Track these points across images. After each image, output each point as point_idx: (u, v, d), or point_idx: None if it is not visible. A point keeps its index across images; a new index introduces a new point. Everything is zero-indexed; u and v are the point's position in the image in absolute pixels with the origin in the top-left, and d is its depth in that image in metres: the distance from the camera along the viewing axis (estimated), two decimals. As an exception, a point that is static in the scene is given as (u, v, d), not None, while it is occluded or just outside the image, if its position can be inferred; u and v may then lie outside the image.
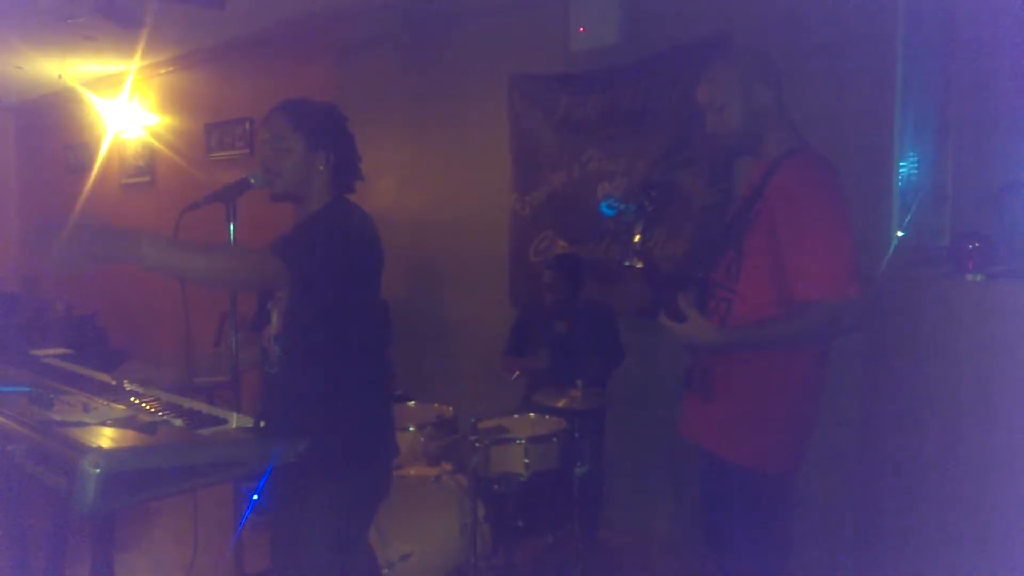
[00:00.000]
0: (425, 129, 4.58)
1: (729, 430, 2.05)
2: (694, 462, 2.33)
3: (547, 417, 3.16)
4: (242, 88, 5.81)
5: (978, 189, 2.37)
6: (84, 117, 6.97)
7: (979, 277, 1.89)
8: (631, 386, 3.54)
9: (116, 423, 1.56)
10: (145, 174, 6.72)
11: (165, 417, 1.69)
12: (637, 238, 1.89)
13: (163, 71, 6.37)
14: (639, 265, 1.88)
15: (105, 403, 1.74)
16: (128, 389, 2.00)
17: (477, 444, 2.94)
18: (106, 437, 1.44)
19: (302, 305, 1.97)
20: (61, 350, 2.80)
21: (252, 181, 2.13)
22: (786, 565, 2.15)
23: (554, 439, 3.00)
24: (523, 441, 2.95)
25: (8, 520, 1.86)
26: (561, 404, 3.05)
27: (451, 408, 3.59)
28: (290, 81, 5.25)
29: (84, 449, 1.35)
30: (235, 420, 1.73)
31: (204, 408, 1.83)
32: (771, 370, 2.00)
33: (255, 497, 1.82)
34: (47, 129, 7.69)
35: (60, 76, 6.47)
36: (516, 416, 3.19)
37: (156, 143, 6.52)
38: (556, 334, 3.59)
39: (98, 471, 1.32)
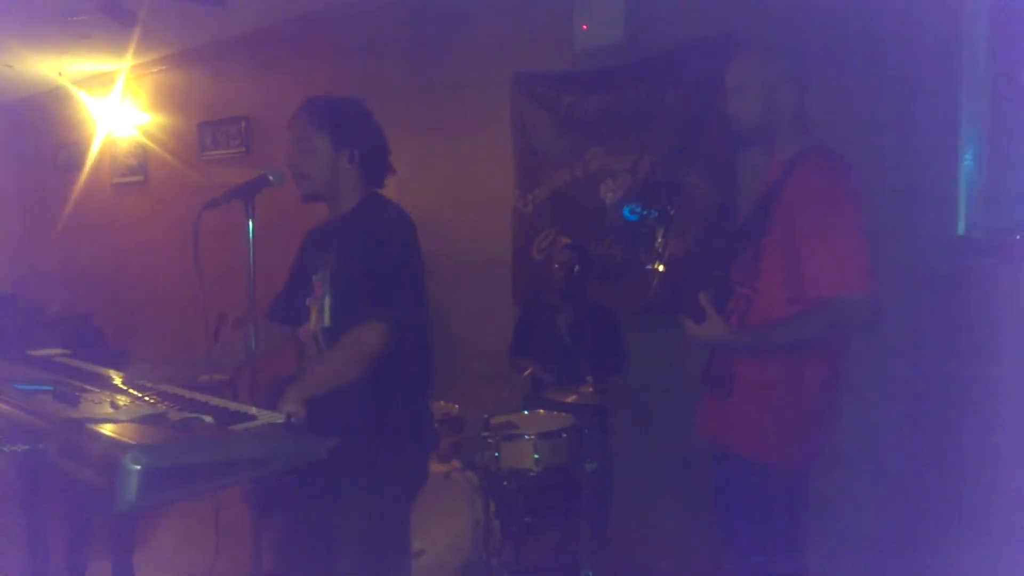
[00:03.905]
0: (427, 128, 4.57)
1: (747, 426, 2.06)
2: (702, 460, 2.36)
3: (556, 413, 3.17)
4: (238, 87, 5.77)
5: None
6: (75, 116, 6.90)
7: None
8: (634, 384, 3.55)
9: (148, 420, 1.55)
10: (137, 173, 6.67)
11: (195, 414, 1.68)
12: (660, 242, 1.91)
13: (156, 69, 6.32)
14: (661, 269, 1.90)
15: (132, 401, 1.73)
16: (148, 386, 1.99)
17: (489, 440, 2.94)
18: (143, 434, 1.44)
19: (345, 300, 1.98)
20: (59, 351, 2.77)
21: (271, 178, 2.13)
22: (801, 561, 2.17)
23: (564, 435, 3.01)
24: (533, 437, 2.96)
25: (35, 518, 1.85)
26: (571, 400, 3.07)
27: (456, 406, 3.59)
28: (288, 81, 5.23)
29: (124, 446, 1.35)
30: (263, 416, 1.72)
31: (230, 405, 1.82)
32: (789, 367, 2.01)
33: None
34: (37, 128, 7.61)
35: (61, 74, 6.42)
36: (526, 412, 3.20)
37: (148, 142, 6.47)
38: (562, 329, 3.60)
39: (139, 467, 1.31)
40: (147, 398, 1.82)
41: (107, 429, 1.44)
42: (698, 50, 3.55)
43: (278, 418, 1.70)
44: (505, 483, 2.97)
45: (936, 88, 2.87)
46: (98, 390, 1.88)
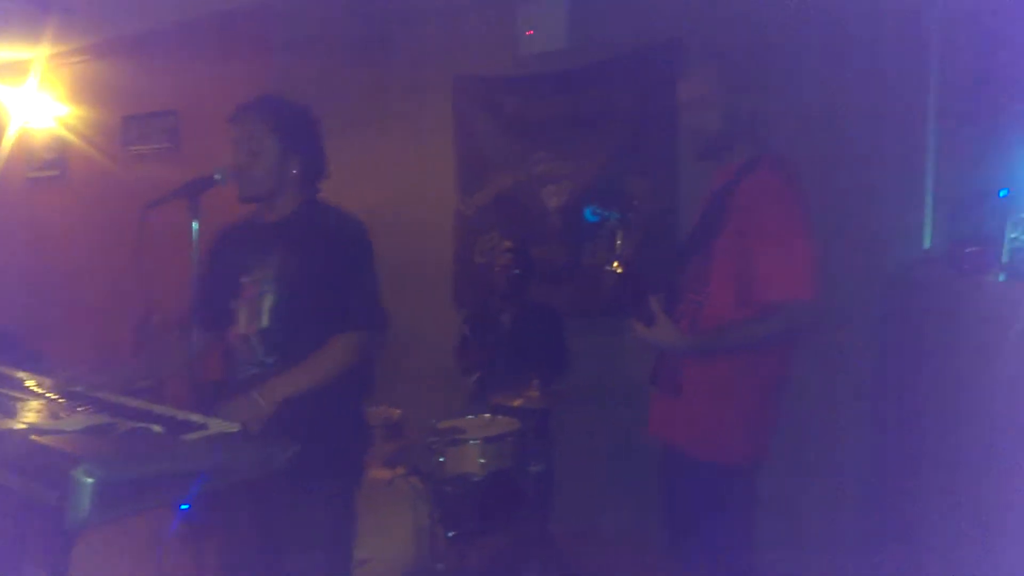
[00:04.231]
0: (367, 128, 4.50)
1: (697, 426, 2.11)
2: (646, 460, 2.39)
3: (500, 417, 3.18)
4: (166, 80, 5.56)
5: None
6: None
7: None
8: (579, 386, 3.58)
9: (96, 431, 1.48)
10: (54, 167, 6.35)
11: (142, 423, 1.61)
12: (619, 244, 1.93)
13: (77, 59, 6.03)
14: (620, 270, 1.92)
15: (73, 410, 1.65)
16: (81, 393, 1.90)
17: (435, 445, 2.92)
18: (94, 445, 1.37)
19: (295, 304, 1.95)
20: None
21: (217, 178, 2.08)
22: (749, 559, 2.22)
23: (509, 438, 3.02)
24: (479, 441, 2.95)
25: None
26: (516, 404, 3.08)
27: (398, 411, 3.56)
28: (221, 75, 5.07)
29: (75, 458, 1.28)
30: (214, 425, 1.67)
31: (177, 413, 1.76)
32: (737, 367, 2.07)
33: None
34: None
35: None
36: (471, 417, 3.19)
37: (68, 135, 6.17)
38: (505, 333, 3.61)
39: (92, 480, 1.25)
40: (83, 407, 1.73)
41: (53, 440, 1.36)
42: (642, 56, 3.62)
43: (231, 427, 1.65)
44: (450, 488, 2.95)
45: (902, 95, 2.95)
46: (31, 398, 1.78)
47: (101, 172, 5.92)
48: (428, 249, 4.36)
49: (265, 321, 2.02)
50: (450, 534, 2.83)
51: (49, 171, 6.38)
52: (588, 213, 1.95)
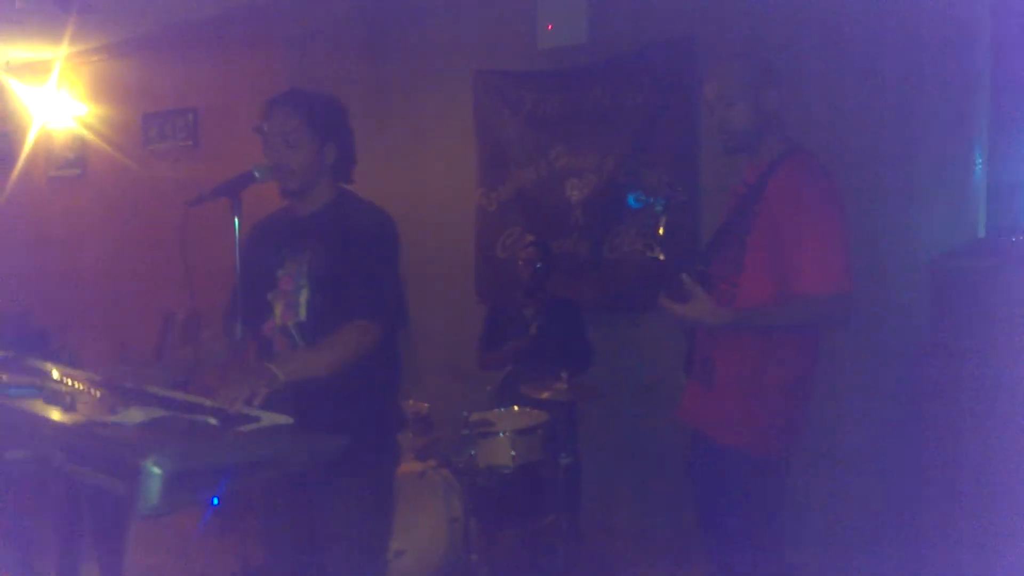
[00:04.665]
0: (388, 124, 4.53)
1: (730, 416, 2.13)
2: (673, 453, 2.42)
3: (529, 410, 3.21)
4: (185, 78, 5.60)
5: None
6: (5, 106, 6.58)
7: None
8: (605, 379, 3.61)
9: (157, 424, 1.52)
10: (75, 166, 6.40)
11: (199, 416, 1.65)
12: (661, 231, 1.95)
13: (96, 58, 6.08)
14: (661, 256, 1.94)
15: (131, 404, 1.68)
16: (131, 388, 1.94)
17: (467, 437, 2.96)
18: (158, 437, 1.41)
19: (329, 297, 1.97)
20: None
21: (256, 175, 2.10)
22: (777, 549, 2.25)
23: (539, 431, 3.05)
24: (510, 433, 2.99)
25: (35, 525, 1.78)
26: (545, 396, 3.11)
27: (427, 405, 3.59)
28: (240, 73, 5.11)
29: (144, 450, 1.32)
30: (267, 418, 1.70)
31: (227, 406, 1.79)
32: (769, 358, 2.09)
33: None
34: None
35: (7, 63, 6.13)
36: (501, 409, 3.23)
37: (88, 134, 6.22)
38: (529, 326, 3.63)
39: (160, 472, 1.29)
40: (136, 402, 1.77)
41: (118, 432, 1.40)
42: (662, 51, 3.64)
43: (283, 419, 1.68)
44: (482, 480, 2.99)
45: (943, 89, 2.96)
46: (89, 393, 1.81)
47: (121, 170, 5.97)
48: (449, 244, 4.39)
49: (302, 314, 2.05)
50: (482, 526, 2.87)
51: (70, 170, 6.44)
52: (632, 200, 1.96)
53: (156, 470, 1.28)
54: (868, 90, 3.07)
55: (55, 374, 2.03)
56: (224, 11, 5.13)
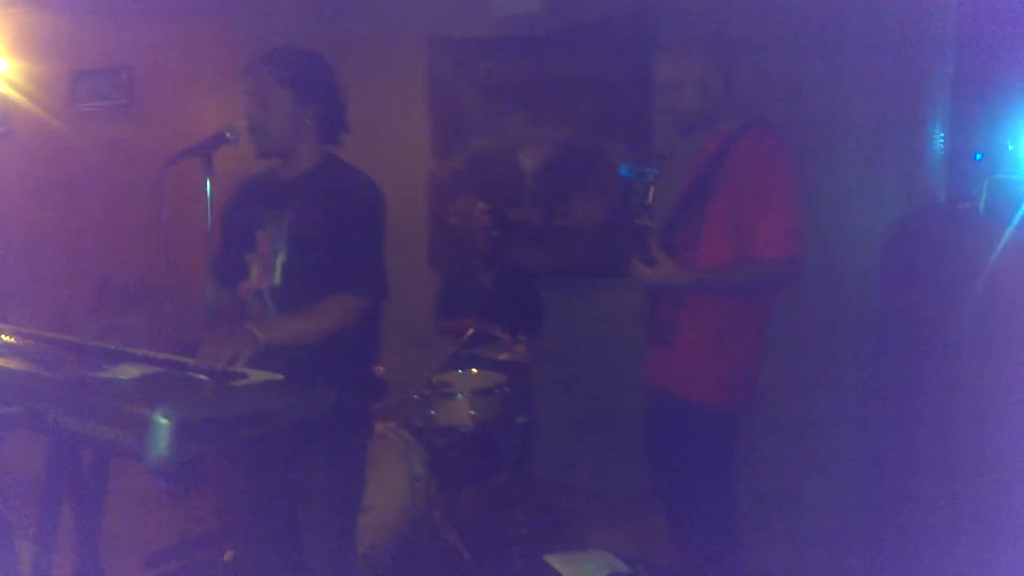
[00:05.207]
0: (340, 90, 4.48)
1: (691, 371, 2.27)
2: (630, 411, 2.53)
3: (487, 372, 3.29)
4: (119, 33, 5.38)
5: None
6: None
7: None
8: (559, 342, 3.73)
9: (152, 379, 1.54)
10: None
11: (190, 373, 1.67)
12: (650, 199, 2.05)
13: (21, 10, 5.77)
14: (650, 224, 2.04)
15: (125, 361, 1.68)
16: (112, 348, 1.93)
17: (429, 398, 3.03)
18: (160, 390, 1.43)
19: (306, 262, 1.99)
20: None
21: (228, 136, 2.08)
22: (730, 501, 2.40)
23: (496, 391, 3.14)
24: (470, 394, 3.07)
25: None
26: (503, 358, 3.20)
27: (382, 368, 3.62)
28: (179, 30, 4.95)
29: (149, 401, 1.34)
30: (255, 374, 1.73)
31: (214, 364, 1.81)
32: (727, 319, 2.24)
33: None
34: None
35: None
36: (460, 371, 3.30)
37: (12, 91, 5.93)
38: (485, 292, 3.71)
39: (168, 422, 1.32)
40: (124, 359, 1.77)
41: (122, 387, 1.42)
42: (618, 21, 3.70)
43: (272, 376, 1.71)
44: (442, 439, 3.07)
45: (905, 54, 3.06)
46: (76, 352, 1.79)
47: (49, 129, 5.72)
48: (402, 210, 4.39)
49: (277, 278, 2.04)
50: (442, 483, 2.96)
51: (-7, 129, 6.13)
52: (624, 169, 2.05)
53: (164, 420, 1.32)
54: (829, 56, 3.17)
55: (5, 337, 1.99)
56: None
